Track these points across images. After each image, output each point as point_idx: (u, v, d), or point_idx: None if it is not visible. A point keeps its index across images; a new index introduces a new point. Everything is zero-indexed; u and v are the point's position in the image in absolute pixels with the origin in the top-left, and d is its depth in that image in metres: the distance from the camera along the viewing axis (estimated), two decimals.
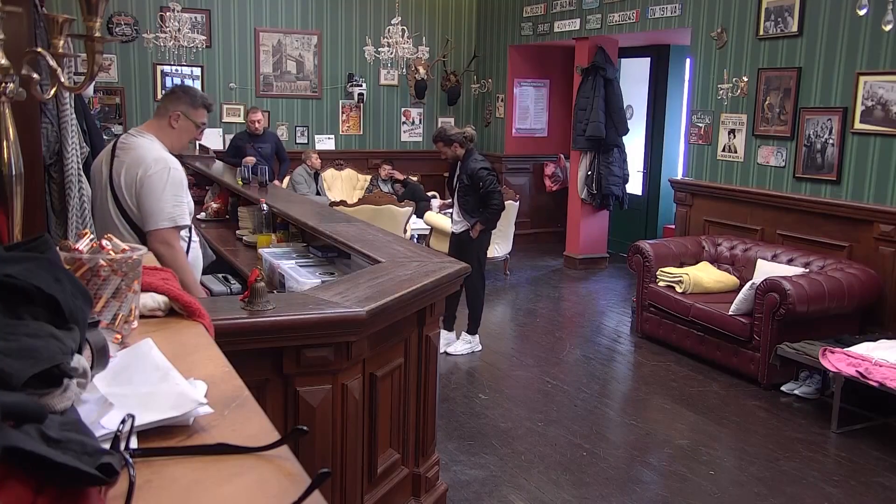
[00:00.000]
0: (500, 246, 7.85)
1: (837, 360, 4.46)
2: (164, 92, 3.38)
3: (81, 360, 0.85)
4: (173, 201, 3.03)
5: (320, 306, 2.54)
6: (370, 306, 2.56)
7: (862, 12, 4.82)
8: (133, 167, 3.02)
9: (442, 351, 5.04)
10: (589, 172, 8.51)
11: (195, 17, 8.97)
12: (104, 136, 5.35)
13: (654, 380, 5.39)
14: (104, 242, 1.32)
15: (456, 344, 5.75)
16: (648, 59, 9.13)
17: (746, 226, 6.30)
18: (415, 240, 7.75)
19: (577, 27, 8.51)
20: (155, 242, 2.98)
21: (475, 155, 5.66)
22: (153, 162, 3.03)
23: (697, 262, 6.10)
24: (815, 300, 4.88)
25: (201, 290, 3.38)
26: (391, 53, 8.19)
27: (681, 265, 6.04)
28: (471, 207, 5.58)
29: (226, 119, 9.44)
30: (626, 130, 8.46)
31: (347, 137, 10.11)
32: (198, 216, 6.01)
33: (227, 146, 8.63)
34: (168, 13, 8.00)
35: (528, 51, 9.83)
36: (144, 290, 1.43)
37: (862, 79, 5.37)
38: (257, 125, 8.31)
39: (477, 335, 5.85)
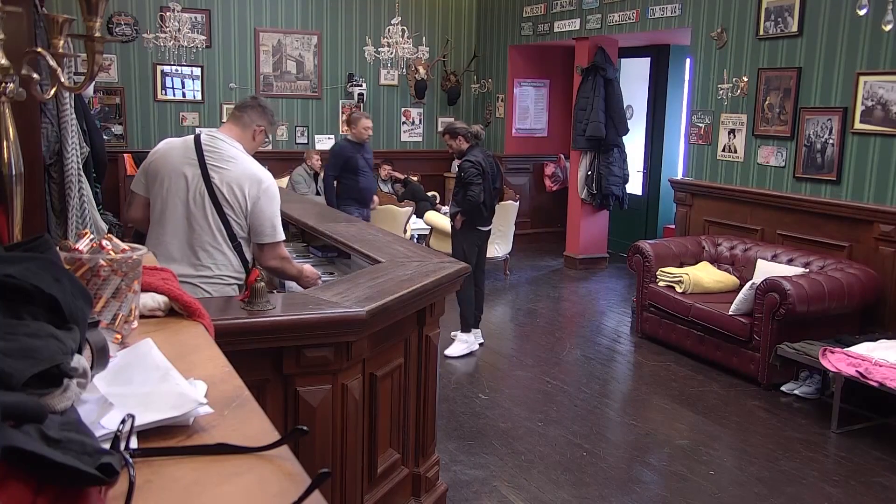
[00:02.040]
0: (500, 246, 7.86)
1: (837, 360, 4.46)
2: (242, 100, 3.36)
3: (81, 360, 0.85)
4: (276, 217, 3.11)
5: (320, 306, 2.54)
6: (370, 306, 2.56)
7: (862, 12, 4.82)
8: (242, 181, 3.01)
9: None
10: (589, 172, 8.51)
11: (195, 17, 8.97)
12: (104, 136, 5.35)
13: (654, 380, 5.39)
14: (104, 242, 1.32)
15: (452, 347, 5.73)
16: (648, 59, 9.13)
17: (746, 226, 6.30)
18: (415, 240, 7.75)
19: (577, 27, 8.51)
20: (271, 259, 3.11)
21: (475, 151, 5.80)
22: (264, 177, 3.08)
23: (697, 262, 6.10)
24: (815, 300, 4.88)
25: (316, 273, 3.41)
26: (391, 53, 8.19)
27: (681, 265, 6.05)
28: (458, 200, 5.78)
29: (226, 119, 9.42)
30: (626, 130, 8.46)
31: None
32: None
33: (329, 162, 6.75)
34: (168, 13, 7.99)
35: (528, 51, 9.83)
36: (144, 290, 1.43)
37: (862, 79, 5.37)
38: (370, 132, 6.87)
39: (471, 332, 5.86)
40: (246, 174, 3.03)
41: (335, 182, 6.52)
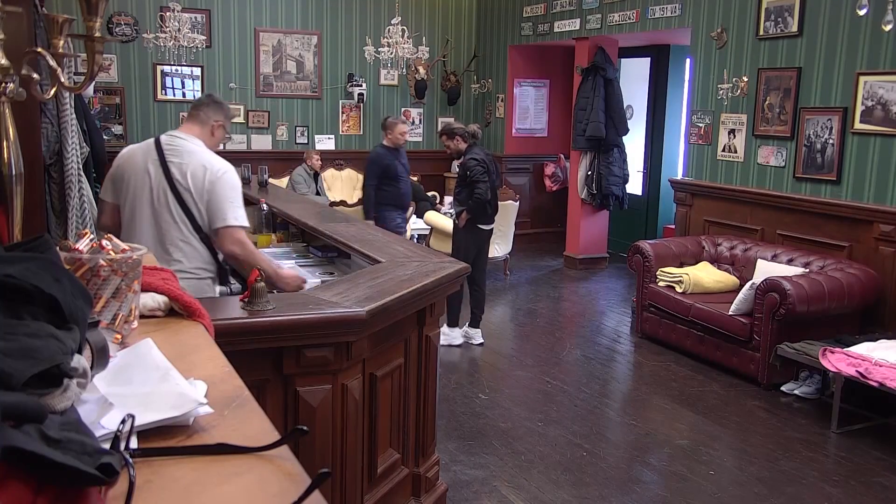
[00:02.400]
0: (500, 246, 7.85)
1: (837, 360, 4.46)
2: (198, 99, 3.48)
3: (81, 360, 0.85)
4: (238, 203, 3.15)
5: (320, 306, 2.54)
6: (370, 306, 2.56)
7: (862, 12, 4.82)
8: (199, 170, 3.08)
9: None
10: (589, 172, 8.51)
11: (195, 17, 8.97)
12: (104, 136, 5.36)
13: (654, 380, 5.39)
14: (104, 242, 1.32)
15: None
16: (648, 59, 9.13)
17: (746, 226, 6.30)
18: (415, 240, 7.75)
19: (577, 27, 8.51)
20: (229, 243, 3.09)
21: (475, 149, 5.86)
22: (218, 165, 3.13)
23: (697, 262, 6.10)
24: (815, 300, 4.88)
25: (296, 275, 3.38)
26: (391, 53, 8.19)
27: (681, 265, 6.05)
28: (463, 199, 5.78)
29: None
30: (626, 130, 8.46)
31: (347, 137, 10.11)
32: None
33: (367, 171, 6.59)
34: (168, 13, 7.99)
35: (528, 51, 9.83)
36: (144, 290, 1.43)
37: (862, 79, 5.37)
38: (407, 137, 6.77)
39: (457, 329, 5.90)
40: (203, 163, 3.10)
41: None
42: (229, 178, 3.13)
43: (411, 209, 6.79)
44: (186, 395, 0.97)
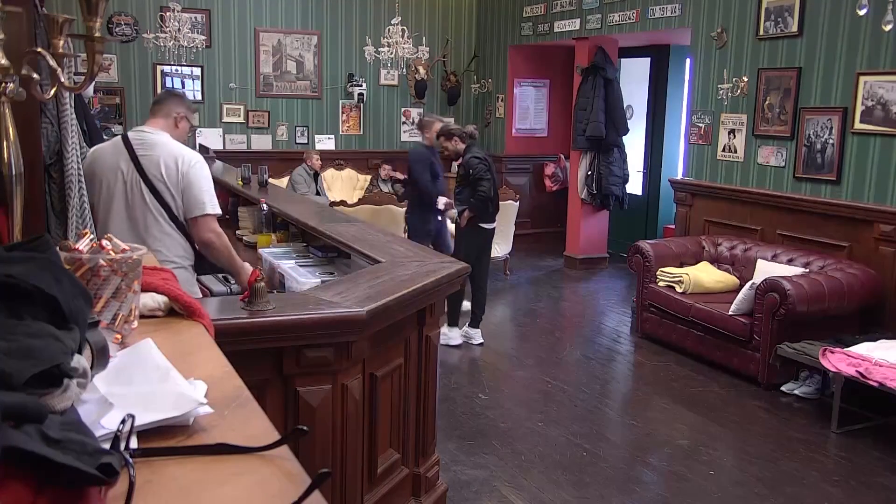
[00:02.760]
0: (500, 246, 7.85)
1: (837, 360, 4.46)
2: (157, 96, 3.61)
3: (81, 360, 0.85)
4: (212, 191, 3.23)
5: (320, 306, 2.54)
6: (370, 306, 2.55)
7: (862, 12, 4.82)
8: (170, 160, 3.14)
9: None
10: (589, 172, 8.51)
11: (195, 17, 8.97)
12: (104, 136, 5.35)
13: (654, 380, 5.39)
14: (104, 242, 1.32)
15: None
16: (648, 59, 9.13)
17: (746, 226, 6.30)
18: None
19: (577, 27, 8.51)
20: (205, 231, 3.17)
21: (474, 149, 5.87)
22: (190, 155, 3.21)
23: (697, 262, 6.10)
24: (815, 300, 4.88)
25: (249, 269, 3.38)
26: (391, 53, 8.19)
27: (681, 265, 6.04)
28: (464, 198, 5.79)
29: (226, 119, 9.44)
30: (626, 130, 8.46)
31: (347, 137, 10.11)
32: None
33: (415, 168, 6.31)
34: (168, 13, 8.00)
35: (528, 51, 9.83)
36: (144, 290, 1.43)
37: (862, 79, 5.37)
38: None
39: (456, 329, 5.90)
40: (173, 153, 3.17)
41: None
42: (201, 168, 3.21)
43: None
44: (186, 395, 0.97)
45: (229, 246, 3.30)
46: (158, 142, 3.19)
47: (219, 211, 3.25)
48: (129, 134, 3.25)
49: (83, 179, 3.11)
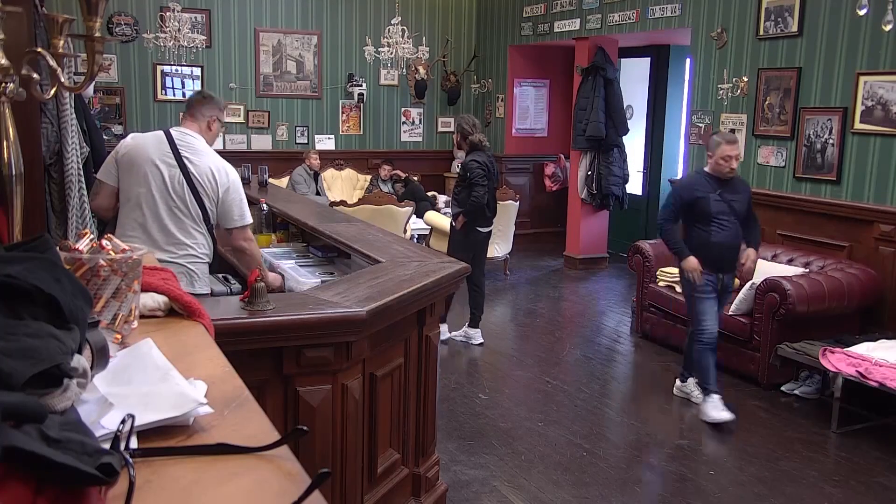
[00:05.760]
0: (500, 246, 7.86)
1: (837, 360, 4.46)
2: (189, 98, 3.67)
3: (81, 360, 0.85)
4: (245, 202, 3.44)
5: (320, 306, 2.54)
6: (370, 306, 2.56)
7: (862, 12, 4.82)
8: (211, 173, 3.30)
9: None
10: (589, 172, 8.51)
11: (195, 17, 8.97)
12: (104, 136, 5.35)
13: (654, 380, 5.39)
14: (104, 242, 1.32)
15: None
16: (648, 59, 9.13)
17: None
18: (415, 240, 7.75)
19: (577, 27, 8.51)
20: (239, 240, 3.42)
21: (478, 153, 5.82)
22: (230, 169, 3.40)
23: None
24: (815, 300, 4.88)
25: (278, 277, 3.73)
26: (391, 53, 8.18)
27: None
28: (461, 199, 5.77)
29: (226, 119, 9.41)
30: (626, 130, 8.46)
31: (347, 137, 10.11)
32: None
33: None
34: (168, 13, 7.99)
35: (528, 51, 9.83)
36: (144, 290, 1.43)
37: (862, 79, 5.37)
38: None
39: (444, 325, 5.88)
40: (216, 166, 3.33)
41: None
42: (238, 181, 3.42)
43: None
44: (186, 395, 0.97)
45: (259, 252, 3.58)
46: (202, 150, 3.34)
47: (250, 220, 3.45)
48: (173, 132, 3.34)
49: (83, 179, 3.11)
